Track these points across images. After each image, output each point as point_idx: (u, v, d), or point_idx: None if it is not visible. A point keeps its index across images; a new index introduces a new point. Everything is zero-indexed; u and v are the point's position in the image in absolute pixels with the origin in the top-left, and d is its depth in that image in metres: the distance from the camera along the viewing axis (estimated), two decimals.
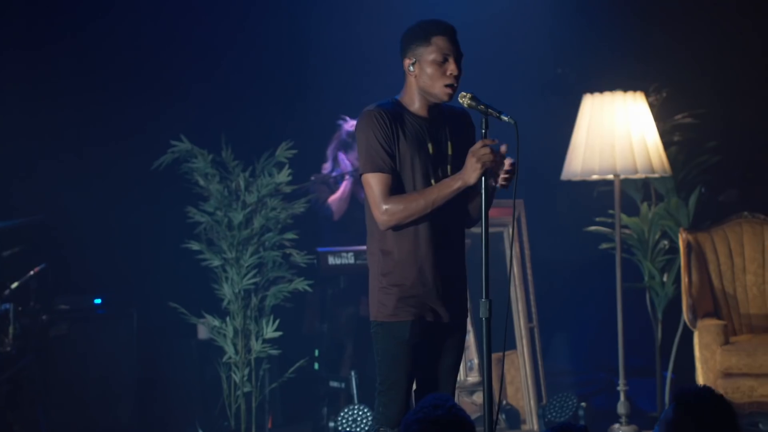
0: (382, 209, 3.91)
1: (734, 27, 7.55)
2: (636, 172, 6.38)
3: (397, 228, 3.94)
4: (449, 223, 4.00)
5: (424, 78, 3.93)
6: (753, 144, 7.59)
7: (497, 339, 3.87)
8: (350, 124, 6.82)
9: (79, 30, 7.02)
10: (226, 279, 6.17)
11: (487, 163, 3.80)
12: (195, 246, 6.16)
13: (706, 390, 3.17)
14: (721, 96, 7.55)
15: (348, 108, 7.00)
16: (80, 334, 6.51)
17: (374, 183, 3.92)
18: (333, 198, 6.78)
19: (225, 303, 6.21)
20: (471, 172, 3.82)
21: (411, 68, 3.96)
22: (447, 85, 3.92)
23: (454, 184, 3.87)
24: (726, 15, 7.59)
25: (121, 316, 6.62)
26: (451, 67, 3.92)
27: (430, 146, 3.96)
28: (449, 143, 4.01)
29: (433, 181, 3.94)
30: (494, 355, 3.94)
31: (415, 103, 3.99)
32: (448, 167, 3.98)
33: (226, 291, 6.16)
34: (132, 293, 6.79)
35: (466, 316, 4.12)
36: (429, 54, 3.92)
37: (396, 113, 3.96)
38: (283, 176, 6.17)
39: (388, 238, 3.97)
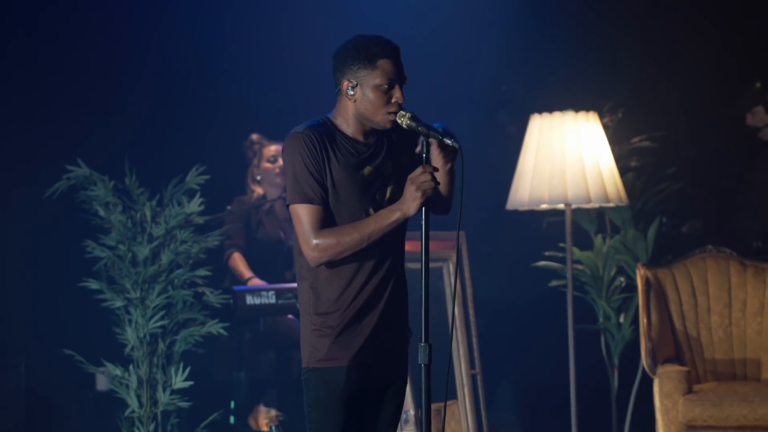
0: (312, 244, 3.93)
1: (696, 42, 7.67)
2: (589, 201, 6.45)
3: (328, 265, 3.98)
4: (388, 258, 4.02)
5: (366, 104, 3.95)
6: (718, 170, 7.71)
7: (436, 387, 3.86)
8: (255, 137, 6.95)
9: None
10: (130, 322, 6.13)
11: (428, 191, 3.85)
12: (94, 285, 6.12)
13: None
14: (683, 117, 7.66)
15: (266, 128, 7.03)
16: None
17: (303, 215, 3.94)
18: (235, 263, 6.85)
19: (128, 349, 6.17)
20: (410, 201, 3.87)
21: (350, 92, 3.96)
22: (390, 113, 3.96)
23: (392, 215, 3.92)
24: (687, 30, 7.70)
25: (7, 366, 6.55)
26: (397, 95, 3.92)
27: (366, 172, 4.00)
28: (389, 167, 4.05)
29: (371, 210, 3.98)
30: (433, 406, 3.97)
31: (350, 126, 4.02)
32: (387, 192, 4.04)
33: (130, 335, 6.13)
34: (20, 339, 6.72)
35: (407, 362, 4.15)
36: (373, 79, 3.92)
37: (328, 135, 3.97)
38: (195, 205, 6.16)
39: (321, 274, 3.99)
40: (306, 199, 3.93)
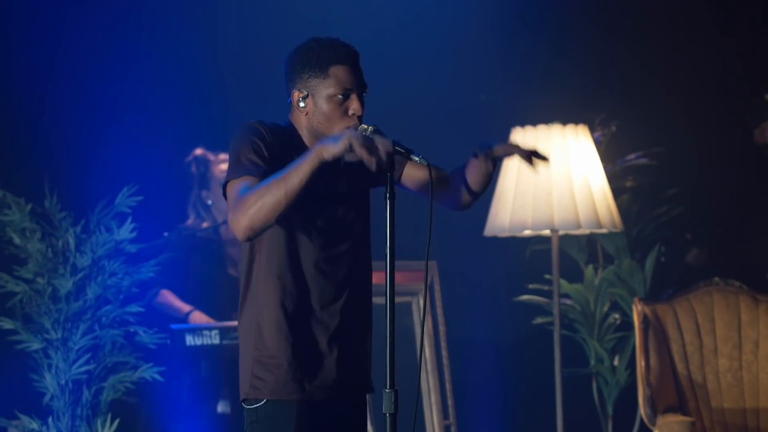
0: (236, 209, 3.80)
1: (699, 48, 7.73)
2: (578, 226, 6.45)
3: (255, 236, 3.83)
4: (349, 273, 4.00)
5: (319, 117, 3.95)
6: (725, 192, 7.73)
7: None
8: (200, 152, 6.88)
9: None
10: (49, 367, 6.09)
11: (366, 145, 3.70)
12: (7, 324, 6.07)
13: None
14: (684, 132, 7.71)
15: (210, 143, 6.99)
16: None
17: (237, 187, 3.83)
18: (164, 299, 6.78)
19: (47, 398, 6.12)
20: (338, 141, 3.71)
21: (302, 104, 3.96)
22: (349, 127, 3.91)
23: (307, 153, 3.76)
24: (689, 35, 7.77)
25: None
26: (354, 105, 3.93)
27: (320, 185, 3.95)
28: (344, 185, 4.02)
29: (325, 225, 3.94)
30: None
31: (305, 140, 3.99)
32: (340, 212, 3.99)
33: (49, 383, 6.09)
34: None
35: (369, 392, 4.09)
36: (326, 88, 3.92)
37: (284, 133, 3.96)
38: (126, 232, 6.14)
39: (266, 299, 3.93)
40: (244, 172, 3.83)
